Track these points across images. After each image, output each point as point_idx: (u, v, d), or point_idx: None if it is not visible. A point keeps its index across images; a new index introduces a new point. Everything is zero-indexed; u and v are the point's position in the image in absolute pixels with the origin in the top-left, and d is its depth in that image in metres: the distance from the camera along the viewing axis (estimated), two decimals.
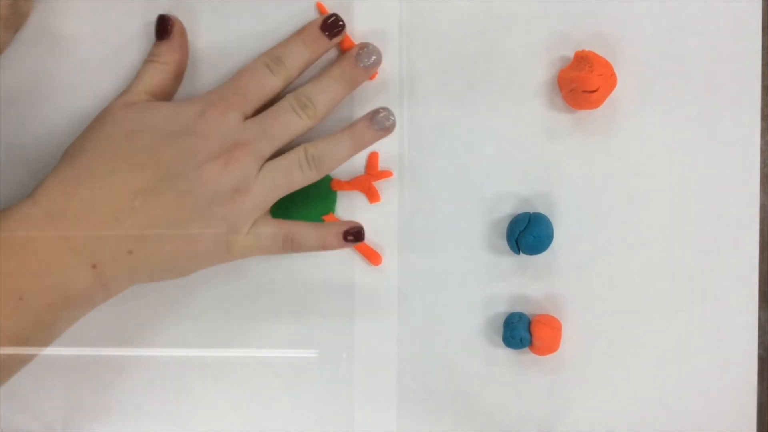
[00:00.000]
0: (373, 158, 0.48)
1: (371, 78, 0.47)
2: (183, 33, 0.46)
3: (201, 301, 0.48)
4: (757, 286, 0.49)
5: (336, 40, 0.45)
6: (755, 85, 0.49)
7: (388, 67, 0.48)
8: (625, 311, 0.49)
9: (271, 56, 0.45)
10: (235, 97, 0.44)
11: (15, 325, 0.41)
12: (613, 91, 0.47)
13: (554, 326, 0.47)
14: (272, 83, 0.44)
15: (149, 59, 0.46)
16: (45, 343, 0.43)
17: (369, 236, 0.48)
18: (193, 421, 0.49)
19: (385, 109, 0.46)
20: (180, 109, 0.43)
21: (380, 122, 0.45)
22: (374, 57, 0.45)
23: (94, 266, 0.42)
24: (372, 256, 0.48)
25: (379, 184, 0.49)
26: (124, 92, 0.45)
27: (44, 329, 0.42)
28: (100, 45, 0.47)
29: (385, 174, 0.48)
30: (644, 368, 0.49)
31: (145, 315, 0.48)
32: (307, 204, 0.48)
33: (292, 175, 0.44)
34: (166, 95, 0.46)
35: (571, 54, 0.48)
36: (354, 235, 0.46)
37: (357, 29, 0.47)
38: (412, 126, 0.48)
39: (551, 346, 0.47)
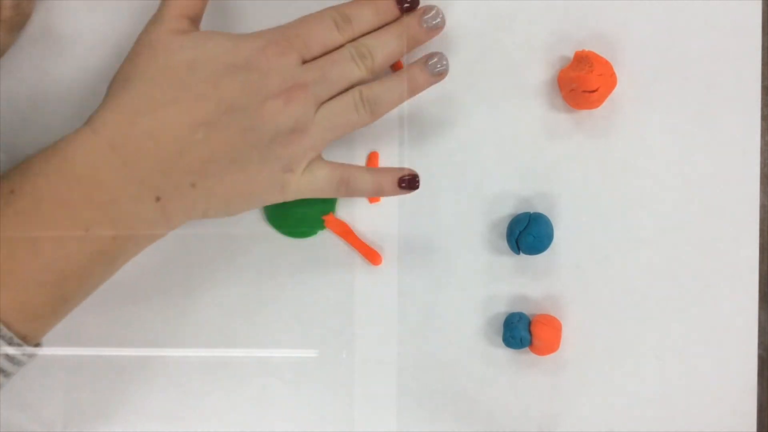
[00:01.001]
0: (373, 158, 0.48)
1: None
2: None
3: (201, 301, 0.48)
4: (757, 286, 0.49)
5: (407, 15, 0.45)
6: (755, 85, 0.49)
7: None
8: (625, 311, 0.49)
9: (341, 13, 0.44)
10: (297, 39, 0.43)
11: (81, 257, 0.40)
12: (613, 91, 0.47)
13: (554, 326, 0.47)
14: (335, 38, 0.44)
15: None
16: (108, 274, 0.42)
17: (369, 236, 0.48)
18: (193, 421, 0.49)
19: (438, 53, 0.46)
20: (241, 42, 0.43)
21: (432, 66, 0.45)
22: (439, 19, 0.45)
23: (158, 199, 0.41)
24: (372, 256, 0.48)
25: None
26: (157, 19, 0.43)
27: (109, 261, 0.42)
28: (100, 45, 0.47)
29: None
30: (644, 368, 0.49)
31: (146, 315, 0.48)
32: (307, 204, 0.48)
33: (348, 116, 0.44)
34: (198, 15, 0.44)
35: (571, 54, 0.48)
36: (408, 182, 0.45)
37: None
38: (412, 126, 0.48)
39: (551, 346, 0.47)
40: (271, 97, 0.42)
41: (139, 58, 0.42)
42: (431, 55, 0.45)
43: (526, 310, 0.49)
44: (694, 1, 0.48)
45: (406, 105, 0.48)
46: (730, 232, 0.49)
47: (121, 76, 0.43)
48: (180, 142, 0.41)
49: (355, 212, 0.49)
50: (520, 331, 0.47)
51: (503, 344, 0.48)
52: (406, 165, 0.48)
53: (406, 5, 0.45)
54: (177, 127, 0.41)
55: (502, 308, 0.49)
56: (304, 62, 0.44)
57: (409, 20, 0.45)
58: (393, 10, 0.45)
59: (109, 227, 0.41)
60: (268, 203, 0.44)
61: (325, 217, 0.48)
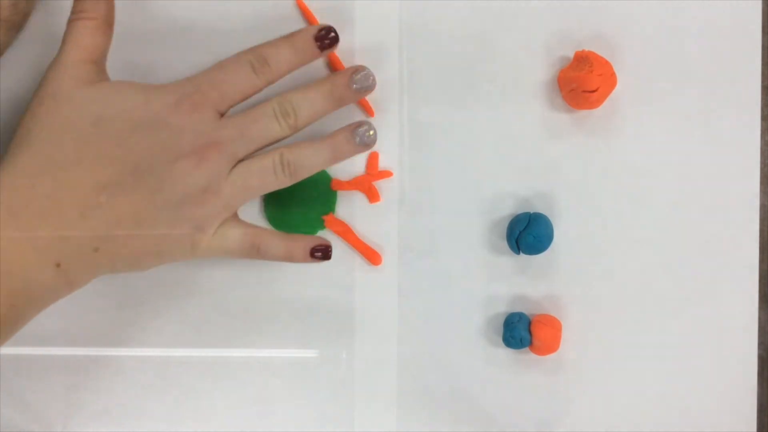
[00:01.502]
0: (373, 158, 0.48)
1: (359, 102, 0.47)
2: None
3: (201, 301, 0.48)
4: (757, 286, 0.49)
5: (326, 52, 0.44)
6: (755, 85, 0.49)
7: (388, 67, 0.48)
8: (625, 311, 0.49)
9: (258, 55, 0.42)
10: (213, 91, 0.41)
11: None
12: (613, 91, 0.47)
13: (554, 326, 0.47)
14: (253, 83, 0.42)
15: (73, 18, 0.42)
16: (10, 335, 0.40)
17: (369, 236, 0.48)
18: (193, 421, 0.49)
19: (366, 122, 0.44)
20: (152, 96, 0.41)
21: (361, 135, 0.44)
22: (370, 81, 0.44)
23: (58, 265, 0.39)
24: (372, 256, 0.48)
25: (379, 184, 0.49)
26: (60, 65, 0.41)
27: (7, 327, 0.40)
28: None
29: (385, 174, 0.48)
30: (644, 368, 0.49)
31: (146, 315, 0.48)
32: (307, 204, 0.48)
33: (265, 178, 0.42)
34: (102, 58, 0.42)
35: (571, 54, 0.48)
36: (322, 251, 0.44)
37: (357, 29, 0.47)
38: (412, 126, 0.48)
39: (551, 346, 0.47)
40: (183, 157, 0.40)
41: (41, 110, 0.40)
42: (359, 124, 0.44)
43: (526, 310, 0.49)
44: (694, 1, 0.48)
45: (406, 105, 0.48)
46: (730, 232, 0.49)
47: (23, 130, 0.40)
48: (82, 206, 0.39)
49: (355, 212, 0.49)
50: (520, 331, 0.47)
51: (503, 344, 0.48)
52: (407, 165, 0.48)
53: (326, 42, 0.43)
54: (79, 189, 0.39)
55: (502, 308, 0.49)
56: (222, 114, 0.42)
57: (338, 79, 0.43)
58: (312, 48, 0.43)
59: (6, 298, 0.39)
60: (180, 260, 0.43)
61: (325, 217, 0.48)
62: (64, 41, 0.41)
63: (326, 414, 0.49)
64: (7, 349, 0.40)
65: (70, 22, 0.42)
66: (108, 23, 0.42)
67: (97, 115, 0.40)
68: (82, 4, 0.42)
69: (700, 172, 0.49)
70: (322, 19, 0.47)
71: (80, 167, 0.40)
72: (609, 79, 0.47)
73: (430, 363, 0.49)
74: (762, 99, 0.49)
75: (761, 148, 0.49)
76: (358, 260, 0.49)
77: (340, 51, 0.46)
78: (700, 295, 0.49)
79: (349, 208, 0.49)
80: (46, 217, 0.39)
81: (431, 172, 0.48)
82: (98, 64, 0.42)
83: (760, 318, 0.49)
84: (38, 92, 0.41)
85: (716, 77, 0.48)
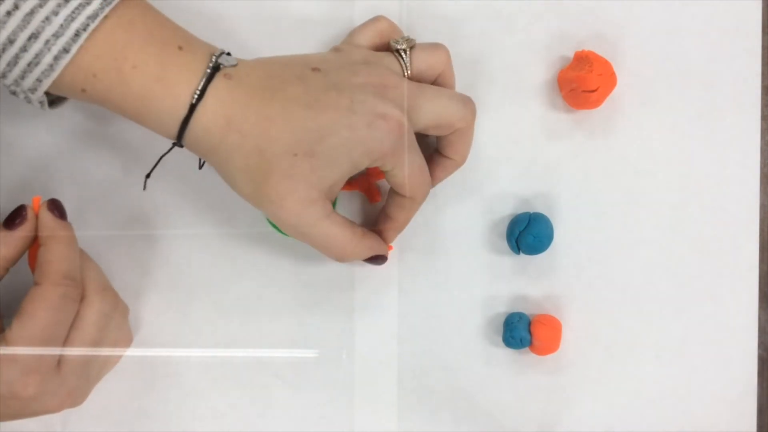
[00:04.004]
0: None
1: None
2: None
3: (201, 301, 0.48)
4: (757, 286, 0.49)
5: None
6: (755, 85, 0.49)
7: None
8: (625, 311, 0.49)
9: None
10: None
11: None
12: (613, 91, 0.47)
13: (554, 326, 0.47)
14: None
15: None
16: None
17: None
18: (193, 421, 0.49)
19: None
20: None
21: None
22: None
23: None
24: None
25: (379, 184, 0.49)
26: None
27: None
28: None
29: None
30: (644, 368, 0.49)
31: (146, 315, 0.48)
32: None
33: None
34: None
35: (571, 54, 0.48)
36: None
37: None
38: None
39: (551, 346, 0.47)
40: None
41: None
42: None
43: (526, 310, 0.49)
44: (694, 1, 0.48)
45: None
46: (730, 232, 0.49)
47: None
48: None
49: (355, 212, 0.49)
50: (520, 331, 0.47)
51: (503, 344, 0.48)
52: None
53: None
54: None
55: (502, 308, 0.49)
56: None
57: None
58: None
59: None
60: None
61: None
62: None
63: (326, 414, 0.49)
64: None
65: None
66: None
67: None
68: None
69: (700, 172, 0.49)
70: (322, 19, 0.47)
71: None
72: (609, 79, 0.47)
73: (430, 363, 0.49)
74: (762, 99, 0.49)
75: (761, 148, 0.49)
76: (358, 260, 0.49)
77: None
78: (700, 295, 0.49)
79: (349, 208, 0.49)
80: None
81: None
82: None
83: (760, 318, 0.49)
84: None
85: (716, 77, 0.48)
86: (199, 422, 0.49)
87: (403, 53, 0.44)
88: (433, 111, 0.43)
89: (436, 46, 0.45)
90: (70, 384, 0.42)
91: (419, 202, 0.44)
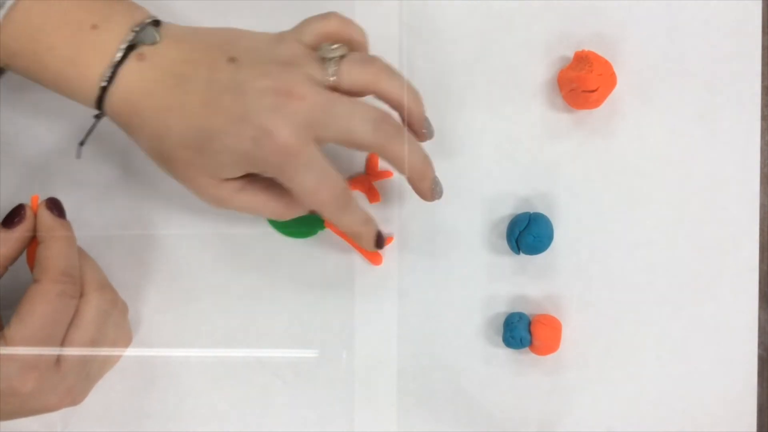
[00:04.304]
0: (373, 158, 0.48)
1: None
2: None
3: (202, 300, 0.48)
4: (757, 286, 0.49)
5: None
6: (755, 85, 0.49)
7: None
8: (625, 311, 0.49)
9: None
10: None
11: None
12: (613, 91, 0.47)
13: (554, 326, 0.47)
14: None
15: None
16: None
17: None
18: (193, 421, 0.49)
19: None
20: None
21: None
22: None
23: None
24: (372, 256, 0.48)
25: (379, 184, 0.49)
26: None
27: None
28: None
29: (385, 174, 0.48)
30: (644, 368, 0.49)
31: (146, 315, 0.48)
32: None
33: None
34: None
35: (571, 54, 0.48)
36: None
37: None
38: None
39: (551, 346, 0.47)
40: None
41: None
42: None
43: (526, 310, 0.49)
44: (694, 1, 0.48)
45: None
46: (730, 232, 0.49)
47: None
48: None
49: None
50: (520, 331, 0.47)
51: (503, 344, 0.48)
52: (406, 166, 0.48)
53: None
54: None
55: (502, 308, 0.49)
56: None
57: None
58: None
59: None
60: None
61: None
62: None
63: (326, 414, 0.49)
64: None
65: None
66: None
67: None
68: None
69: (700, 172, 0.49)
70: None
71: None
72: (609, 79, 0.47)
73: (430, 363, 0.49)
74: (762, 99, 0.49)
75: (761, 148, 0.49)
76: (358, 260, 0.49)
77: None
78: (700, 295, 0.49)
79: None
80: None
81: None
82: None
83: (760, 318, 0.49)
84: None
85: (716, 77, 0.48)
86: (199, 422, 0.49)
87: (330, 63, 0.41)
88: (339, 131, 0.40)
89: (368, 61, 0.42)
90: (70, 381, 0.42)
91: (327, 214, 0.42)
